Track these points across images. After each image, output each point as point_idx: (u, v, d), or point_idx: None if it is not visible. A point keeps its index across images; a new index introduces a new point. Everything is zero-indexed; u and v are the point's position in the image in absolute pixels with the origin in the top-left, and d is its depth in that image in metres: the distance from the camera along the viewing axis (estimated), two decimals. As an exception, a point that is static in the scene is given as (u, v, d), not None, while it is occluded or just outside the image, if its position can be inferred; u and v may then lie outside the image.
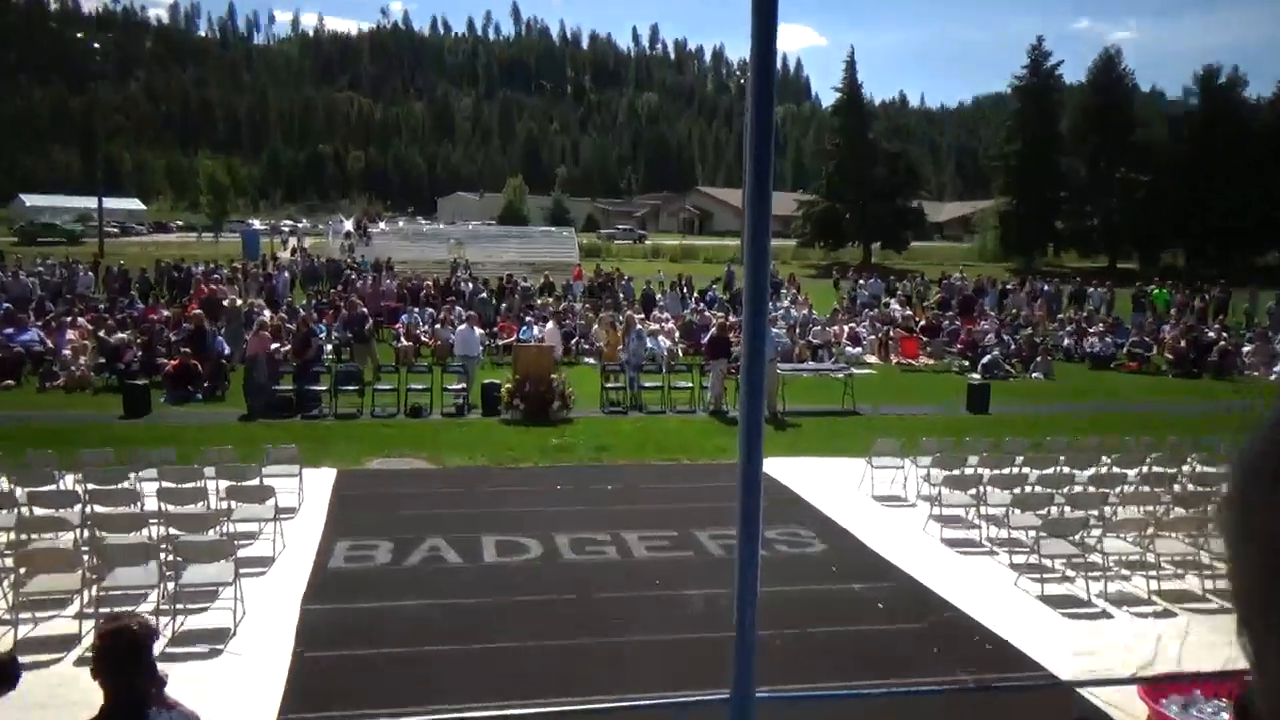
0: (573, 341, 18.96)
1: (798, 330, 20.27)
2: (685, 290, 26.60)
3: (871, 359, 20.27)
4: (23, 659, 3.91)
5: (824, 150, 57.16)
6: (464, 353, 15.11)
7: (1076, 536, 7.95)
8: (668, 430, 13.17)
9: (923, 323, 22.15)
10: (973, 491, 9.12)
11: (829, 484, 10.50)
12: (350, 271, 29.29)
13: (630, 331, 15.60)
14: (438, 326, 19.25)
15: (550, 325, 16.20)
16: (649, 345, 17.55)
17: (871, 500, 9.96)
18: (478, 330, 16.24)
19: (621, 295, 25.41)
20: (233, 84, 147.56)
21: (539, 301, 22.80)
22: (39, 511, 7.88)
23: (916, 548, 8.54)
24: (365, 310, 17.49)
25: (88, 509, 7.95)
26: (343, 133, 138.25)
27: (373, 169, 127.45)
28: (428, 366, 15.35)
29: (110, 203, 60.06)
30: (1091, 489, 9.08)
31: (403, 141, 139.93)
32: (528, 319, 19.71)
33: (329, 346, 18.15)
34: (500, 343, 18.97)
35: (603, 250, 54.81)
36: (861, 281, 29.69)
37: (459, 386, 14.36)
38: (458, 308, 21.12)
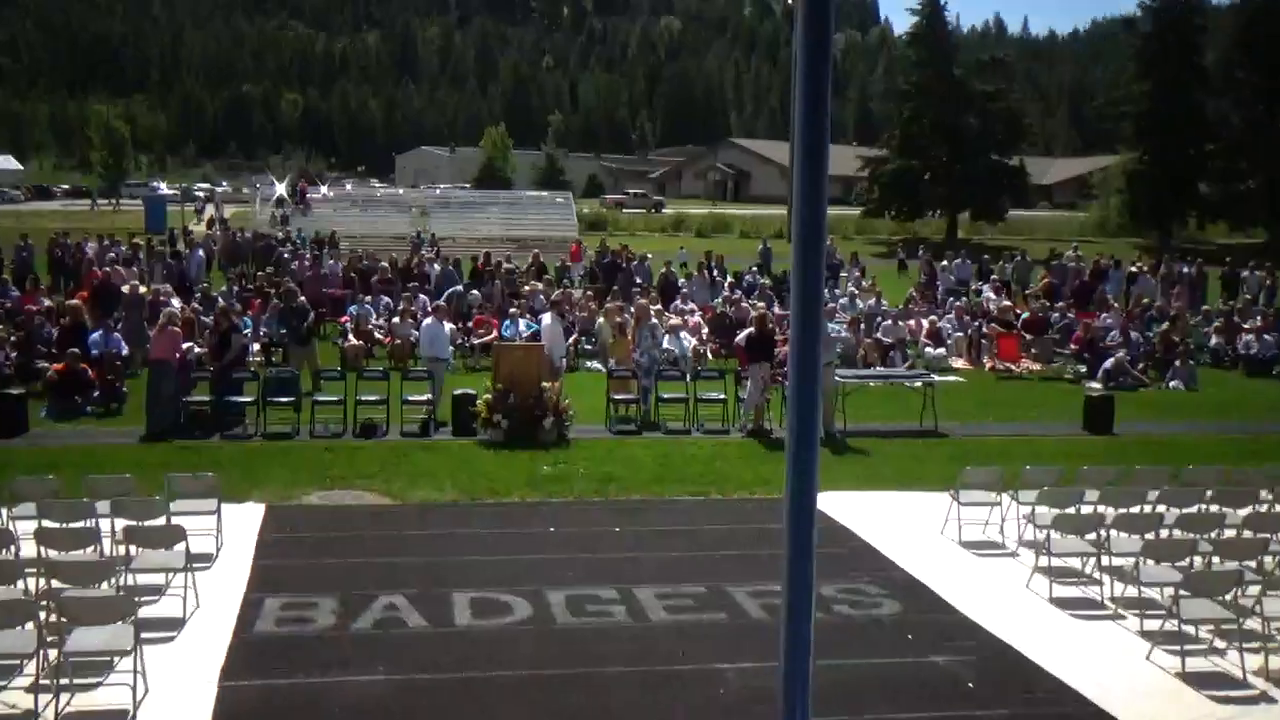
0: (570, 340, 18.99)
1: (863, 325, 20.24)
2: (716, 273, 26.63)
3: (959, 363, 20.19)
4: None
5: (896, 92, 57.16)
6: (430, 354, 15.18)
7: (1228, 595, 7.87)
8: (693, 455, 13.17)
9: (1025, 316, 22.04)
10: (1092, 536, 9.06)
11: (903, 526, 10.47)
12: (283, 249, 29.51)
13: (643, 326, 15.60)
14: (396, 320, 19.35)
15: (549, 318, 16.07)
16: (667, 345, 17.54)
17: (958, 547, 9.92)
18: (447, 325, 16.28)
19: (639, 280, 25.43)
20: (137, 15, 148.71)
21: (527, 288, 22.86)
22: (-115, 558, 7.96)
23: (1018, 610, 8.49)
24: (304, 300, 17.59)
25: (-53, 555, 8.02)
26: (274, 70, 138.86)
27: (313, 117, 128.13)
28: (383, 372, 15.42)
29: (-23, 161, 60.95)
30: (1247, 534, 8.98)
31: (351, 82, 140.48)
32: (512, 310, 19.78)
33: (256, 346, 18.24)
34: (476, 341, 19.05)
35: (609, 221, 55.03)
36: (946, 263, 29.57)
37: (423, 398, 14.42)
38: (422, 296, 21.14)
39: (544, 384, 13.75)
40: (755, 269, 28.06)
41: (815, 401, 2.53)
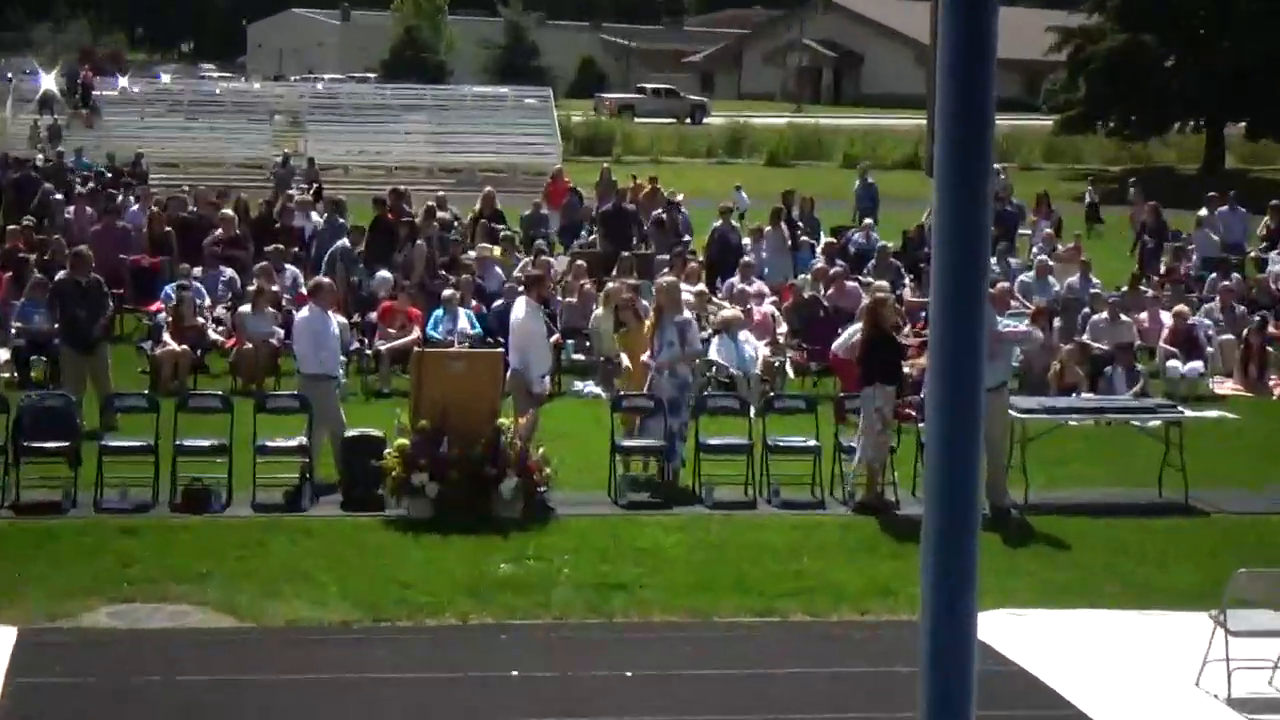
0: (549, 342, 18.95)
1: (1059, 321, 20.13)
2: (801, 230, 26.56)
3: (1227, 385, 20.08)
4: None
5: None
6: (311, 369, 15.11)
7: None
8: (761, 546, 13.10)
9: (1344, 307, 21.91)
10: None
11: (1129, 670, 10.39)
12: (52, 186, 29.61)
13: (667, 322, 15.39)
14: (245, 310, 19.38)
15: (523, 307, 15.74)
16: (716, 354, 17.49)
17: (1227, 709, 9.83)
18: (336, 319, 16.27)
19: (686, 238, 25.32)
20: None
21: (473, 253, 22.83)
22: None
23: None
24: (96, 275, 17.60)
25: None
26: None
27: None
28: (222, 399, 15.42)
29: None
30: None
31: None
32: (447, 293, 19.75)
33: (3, 353, 18.25)
34: (383, 346, 19.05)
35: (617, 138, 54.79)
36: (1205, 212, 29.37)
37: (293, 444, 14.42)
38: (291, 268, 21.08)
39: (501, 421, 13.73)
40: (869, 223, 28.02)
41: (973, 453, 2.51)
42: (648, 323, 15.88)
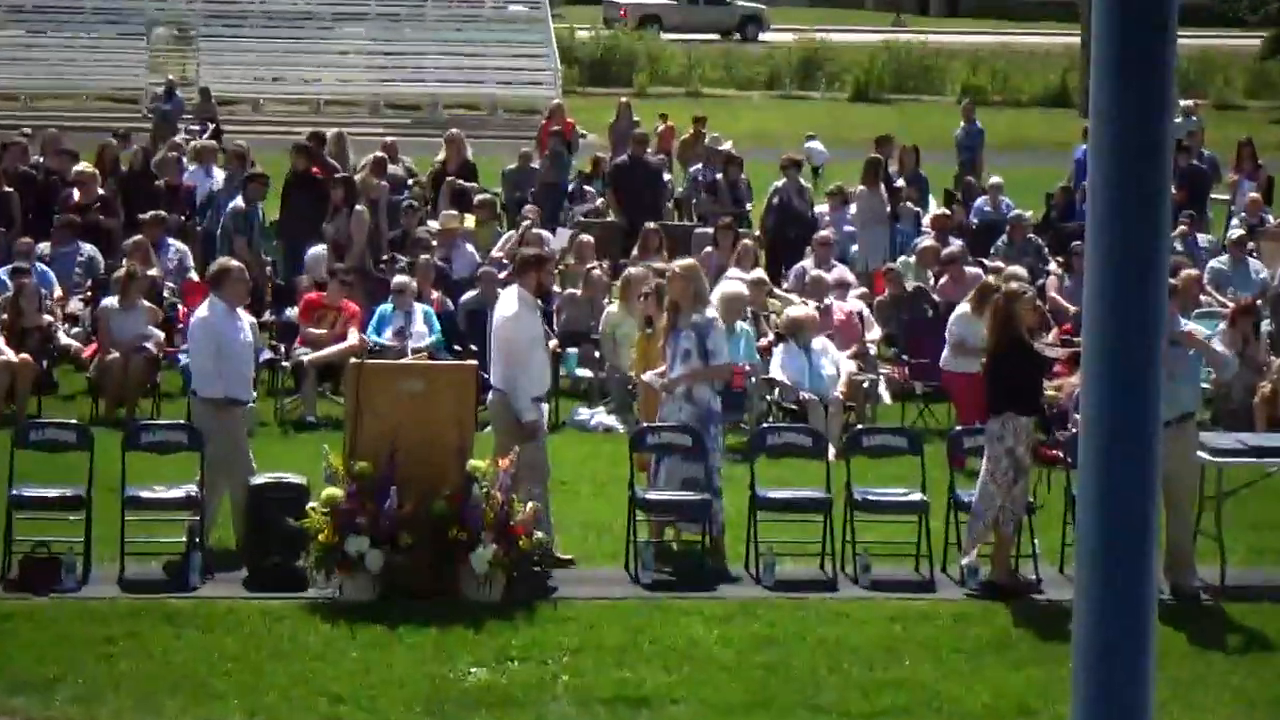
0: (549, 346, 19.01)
1: (1267, 326, 20.13)
2: (900, 190, 26.49)
3: None
4: None
5: None
6: (211, 391, 15.08)
7: None
8: (841, 645, 13.11)
9: None
10: None
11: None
12: None
13: (683, 325, 15.27)
14: (111, 303, 19.44)
15: (514, 300, 15.69)
16: (779, 372, 17.52)
17: None
18: (246, 318, 16.30)
19: (748, 206, 25.31)
20: None
21: (434, 225, 22.88)
22: None
23: None
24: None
25: None
26: None
27: None
28: (78, 432, 15.46)
29: None
30: None
31: None
32: (398, 280, 19.78)
33: None
34: (305, 357, 19.07)
35: (639, 62, 54.72)
36: None
37: (179, 494, 14.43)
38: (176, 245, 21.15)
39: (474, 463, 13.77)
40: (997, 183, 27.91)
41: (1146, 513, 2.52)
42: (661, 324, 15.61)
